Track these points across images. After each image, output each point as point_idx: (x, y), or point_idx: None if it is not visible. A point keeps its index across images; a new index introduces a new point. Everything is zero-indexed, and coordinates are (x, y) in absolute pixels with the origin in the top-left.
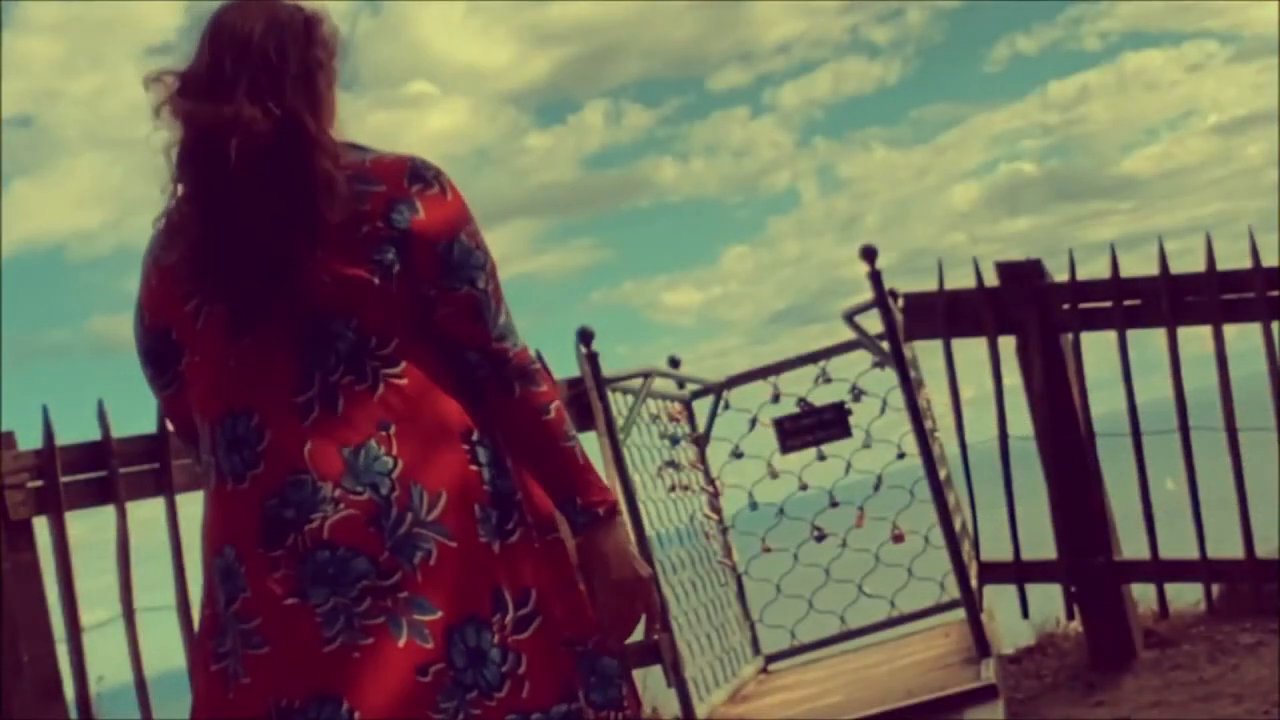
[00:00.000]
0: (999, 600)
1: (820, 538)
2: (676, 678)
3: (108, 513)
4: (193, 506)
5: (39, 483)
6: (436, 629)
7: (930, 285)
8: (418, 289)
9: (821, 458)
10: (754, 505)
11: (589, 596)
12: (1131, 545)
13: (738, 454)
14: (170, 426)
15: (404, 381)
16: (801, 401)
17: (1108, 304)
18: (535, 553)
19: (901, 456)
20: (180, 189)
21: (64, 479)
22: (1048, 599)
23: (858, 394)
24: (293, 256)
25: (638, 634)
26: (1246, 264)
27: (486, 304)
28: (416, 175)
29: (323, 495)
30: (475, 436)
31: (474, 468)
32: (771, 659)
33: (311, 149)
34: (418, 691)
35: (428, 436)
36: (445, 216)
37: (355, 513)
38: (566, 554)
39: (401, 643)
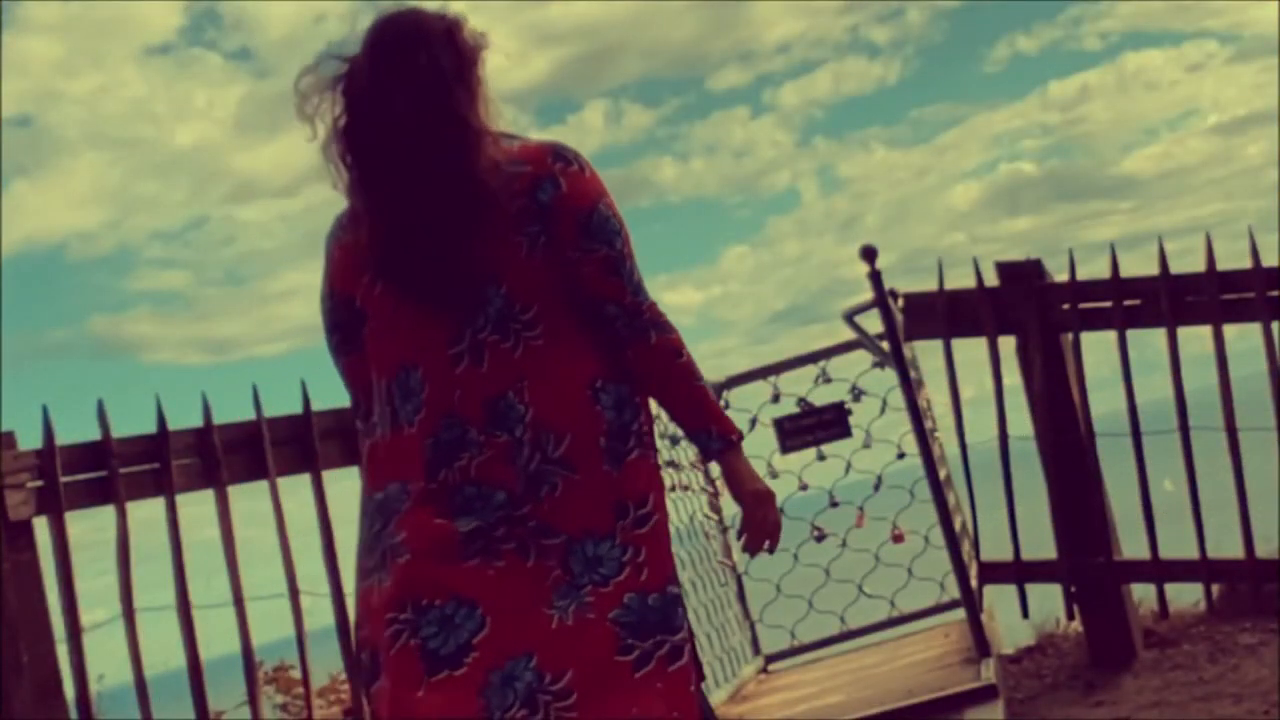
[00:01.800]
0: (999, 600)
1: (820, 538)
2: None
3: (108, 513)
4: (193, 507)
5: (39, 483)
6: (558, 550)
7: (930, 285)
8: (560, 255)
9: (821, 458)
10: None
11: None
12: (1131, 545)
13: None
14: (348, 389)
15: (540, 343)
16: (801, 401)
17: (1108, 304)
18: (650, 467)
19: (901, 456)
20: (351, 179)
21: (64, 479)
22: (1048, 599)
23: (858, 394)
24: (455, 240)
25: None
26: (1246, 264)
27: (622, 263)
28: (559, 155)
29: (469, 437)
30: (599, 384)
31: (598, 408)
32: (771, 659)
33: (475, 139)
34: (537, 597)
35: (556, 388)
36: (584, 189)
37: (494, 454)
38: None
39: (530, 563)
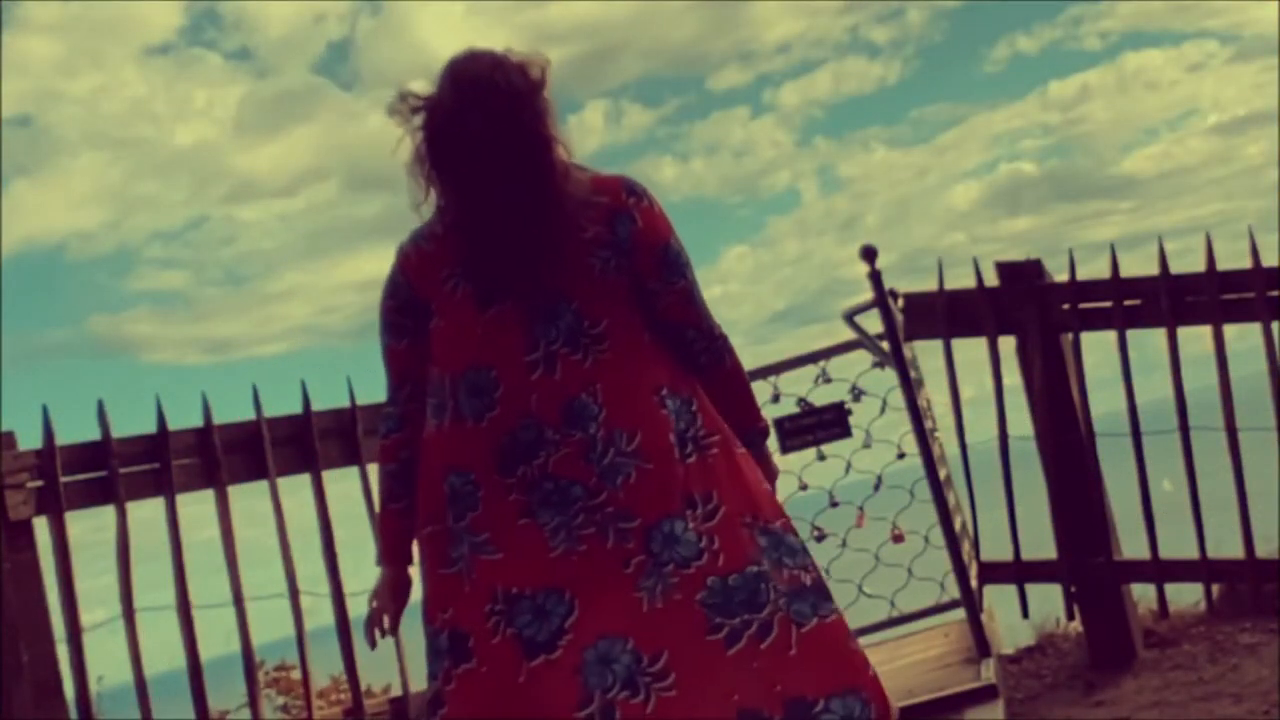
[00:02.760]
0: (999, 600)
1: (820, 538)
2: None
3: (108, 513)
4: (193, 506)
5: (39, 483)
6: (636, 533)
7: (930, 285)
8: (636, 283)
9: (821, 458)
10: None
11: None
12: (1131, 545)
13: None
14: (389, 371)
15: (607, 356)
16: (801, 401)
17: (1108, 304)
18: (709, 465)
19: (901, 456)
20: (437, 195)
21: (64, 479)
22: (1048, 599)
23: (858, 394)
24: (532, 252)
25: None
26: (1246, 264)
27: (695, 292)
28: (631, 190)
29: (546, 437)
30: (664, 392)
31: (663, 413)
32: None
33: (550, 148)
34: (623, 580)
35: (624, 393)
36: (658, 226)
37: (570, 451)
38: (735, 459)
39: (609, 545)
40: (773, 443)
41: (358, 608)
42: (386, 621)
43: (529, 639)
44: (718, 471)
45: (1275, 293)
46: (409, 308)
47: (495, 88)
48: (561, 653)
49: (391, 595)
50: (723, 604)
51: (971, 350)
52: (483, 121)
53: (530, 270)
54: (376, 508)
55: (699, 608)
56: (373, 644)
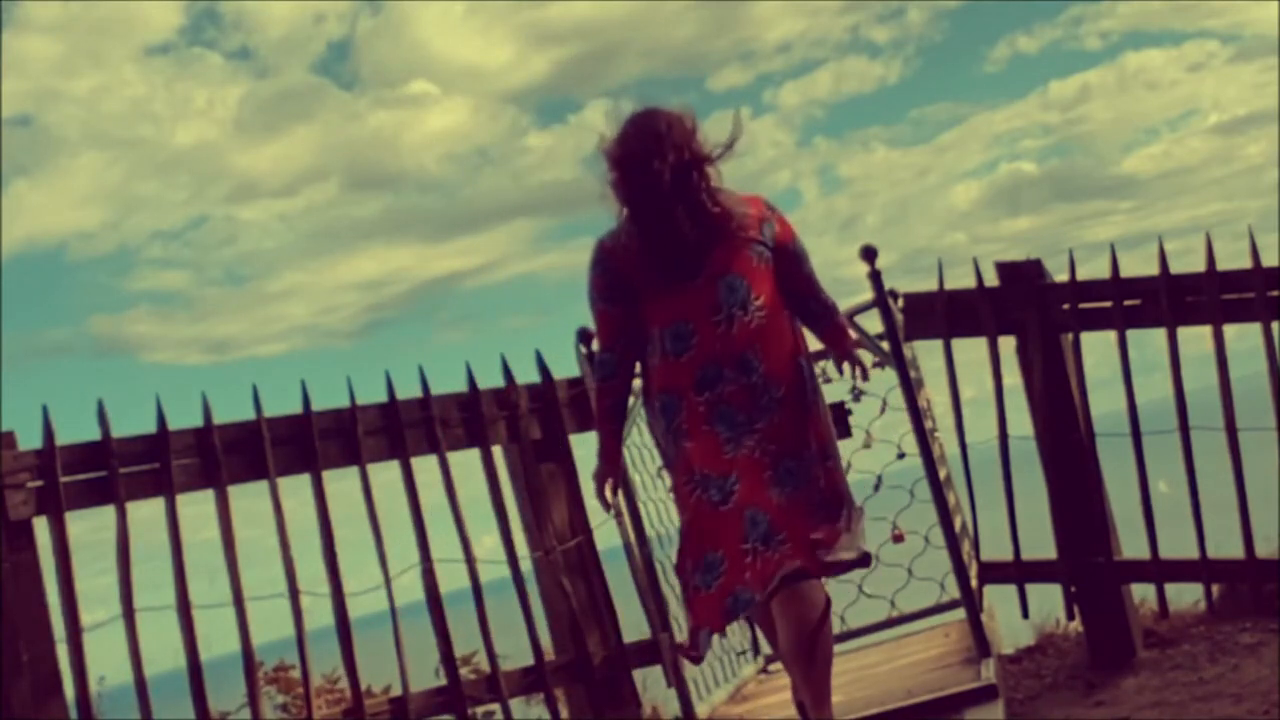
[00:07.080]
0: (999, 600)
1: None
2: (676, 678)
3: (108, 513)
4: (193, 506)
5: (39, 483)
6: (773, 455)
7: (930, 285)
8: (777, 269)
9: None
10: None
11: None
12: (1131, 545)
13: None
14: (602, 330)
15: (765, 320)
16: None
17: (1108, 304)
18: (819, 416)
19: (901, 456)
20: (626, 212)
21: (64, 479)
22: (1048, 599)
23: (858, 394)
24: (698, 251)
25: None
26: (1246, 264)
27: (814, 275)
28: (769, 205)
29: (725, 374)
30: (800, 358)
31: (802, 374)
32: (771, 659)
33: (706, 180)
34: (764, 480)
35: (777, 353)
36: (789, 231)
37: (739, 388)
38: (820, 407)
39: (756, 456)
40: None
41: (358, 608)
42: (610, 485)
43: (710, 499)
44: (823, 420)
45: (1275, 293)
46: (618, 284)
47: (670, 132)
48: (733, 506)
49: (609, 469)
50: (820, 504)
51: (971, 350)
52: (659, 163)
53: (700, 260)
54: (595, 432)
55: (808, 507)
56: (606, 507)
